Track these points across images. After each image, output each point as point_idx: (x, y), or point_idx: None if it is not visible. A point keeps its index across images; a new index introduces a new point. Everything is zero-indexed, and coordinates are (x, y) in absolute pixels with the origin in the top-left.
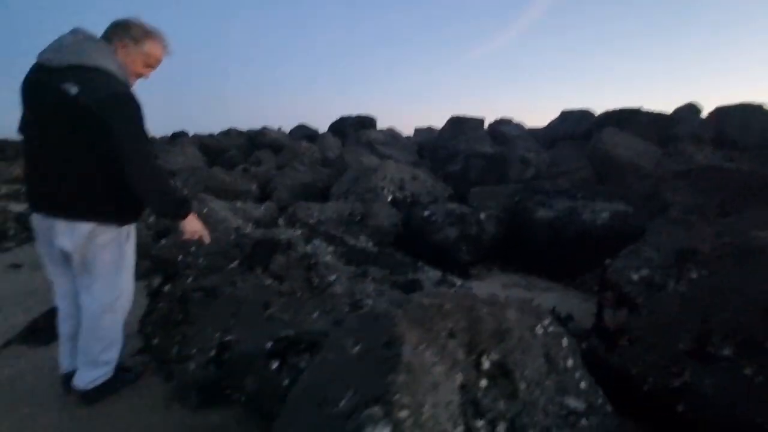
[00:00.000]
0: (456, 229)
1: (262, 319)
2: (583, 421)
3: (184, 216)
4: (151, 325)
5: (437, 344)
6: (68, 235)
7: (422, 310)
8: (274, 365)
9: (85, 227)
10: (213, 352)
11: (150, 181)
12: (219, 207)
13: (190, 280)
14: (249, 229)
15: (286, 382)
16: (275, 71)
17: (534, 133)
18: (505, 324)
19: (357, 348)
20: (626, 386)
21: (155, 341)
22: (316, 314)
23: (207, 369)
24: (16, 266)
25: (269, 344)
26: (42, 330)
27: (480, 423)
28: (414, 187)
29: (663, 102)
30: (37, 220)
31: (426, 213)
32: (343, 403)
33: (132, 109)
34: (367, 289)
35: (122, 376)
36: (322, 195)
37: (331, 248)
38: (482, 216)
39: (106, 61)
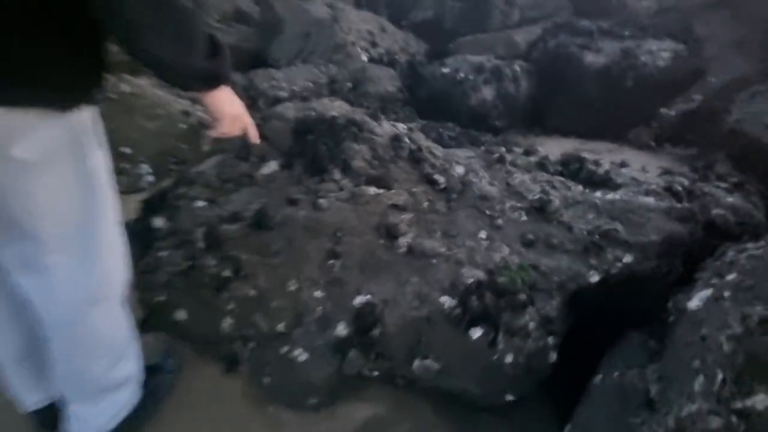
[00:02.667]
0: (491, 89)
1: (395, 255)
2: None
3: (219, 85)
4: (163, 288)
5: None
6: None
7: None
8: (477, 335)
9: None
10: (344, 329)
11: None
12: (147, 84)
13: (201, 204)
14: (201, 112)
15: (508, 359)
16: None
17: None
18: None
19: None
20: None
21: (180, 314)
22: (482, 234)
23: (340, 353)
24: None
25: (447, 300)
26: None
27: None
28: (386, 43)
29: None
30: None
31: (446, 70)
32: None
33: None
34: (527, 184)
35: (158, 383)
36: (254, 63)
37: (402, 126)
38: (517, 69)
39: None
